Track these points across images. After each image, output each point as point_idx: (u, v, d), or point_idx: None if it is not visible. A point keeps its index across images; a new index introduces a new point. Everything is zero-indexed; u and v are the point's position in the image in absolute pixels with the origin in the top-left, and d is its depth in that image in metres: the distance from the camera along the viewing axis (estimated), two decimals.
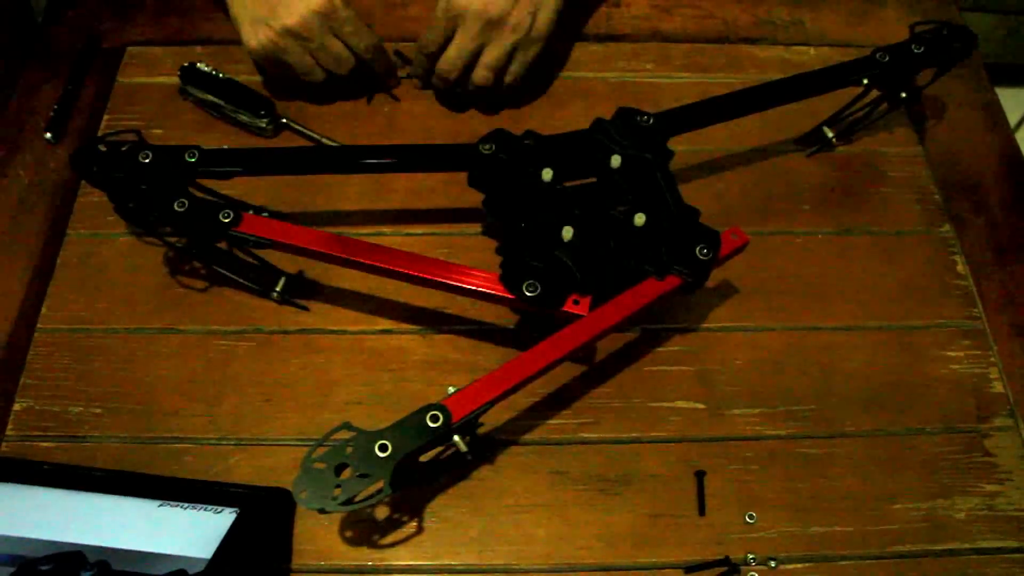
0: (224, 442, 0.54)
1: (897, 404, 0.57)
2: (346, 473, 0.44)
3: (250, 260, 0.58)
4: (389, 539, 0.51)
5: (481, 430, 0.51)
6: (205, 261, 0.59)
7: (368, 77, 0.68)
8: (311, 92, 0.68)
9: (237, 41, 0.64)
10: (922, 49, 0.61)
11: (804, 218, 0.65)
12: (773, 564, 0.51)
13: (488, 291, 0.51)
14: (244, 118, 0.66)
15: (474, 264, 0.52)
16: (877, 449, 0.55)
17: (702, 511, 0.53)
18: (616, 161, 0.55)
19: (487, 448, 0.54)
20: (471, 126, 0.68)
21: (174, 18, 0.74)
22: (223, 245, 0.56)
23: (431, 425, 0.45)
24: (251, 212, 0.53)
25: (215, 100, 0.66)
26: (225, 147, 0.59)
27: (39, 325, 0.58)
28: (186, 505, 0.48)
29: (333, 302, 0.60)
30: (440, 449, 0.52)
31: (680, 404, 0.56)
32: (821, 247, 0.64)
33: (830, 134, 0.68)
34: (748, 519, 0.52)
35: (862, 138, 0.69)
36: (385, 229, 0.63)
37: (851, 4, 0.78)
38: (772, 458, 0.55)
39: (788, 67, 0.73)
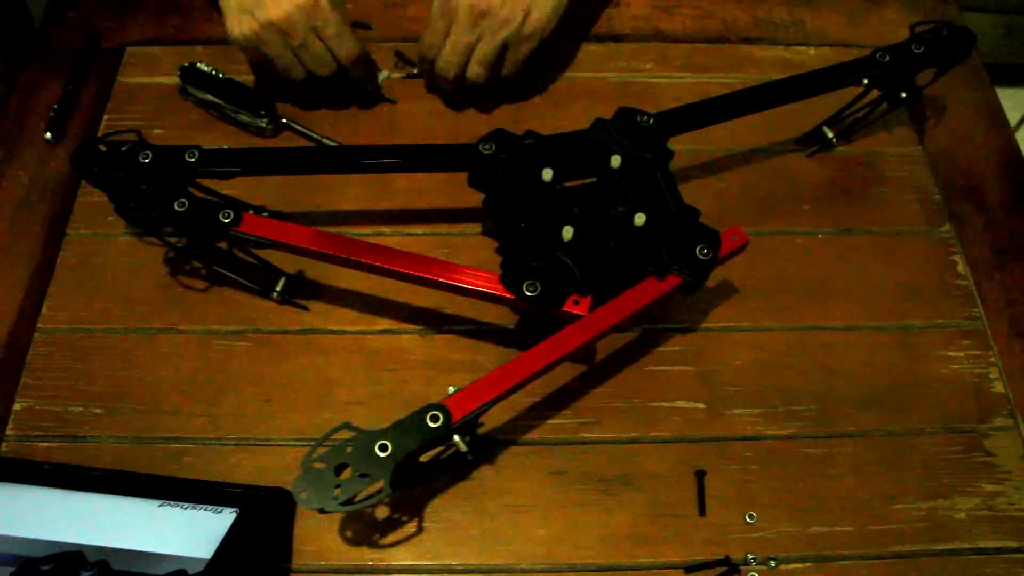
0: (224, 442, 0.54)
1: (897, 404, 0.57)
2: (346, 473, 0.44)
3: (250, 260, 0.58)
4: (389, 539, 0.52)
5: (481, 430, 0.51)
6: (205, 261, 0.59)
7: (350, 84, 0.67)
8: (311, 92, 0.68)
9: None
10: (922, 49, 0.61)
11: (804, 218, 0.65)
12: (773, 564, 0.51)
13: (488, 291, 0.51)
14: (244, 118, 0.66)
15: (474, 264, 0.52)
16: (877, 449, 0.55)
17: (702, 511, 0.53)
18: (616, 161, 0.55)
19: (487, 448, 0.54)
20: (471, 126, 0.68)
21: (174, 18, 0.74)
22: (223, 245, 0.56)
23: (431, 425, 0.45)
24: (251, 212, 0.53)
25: (215, 100, 0.66)
26: (225, 147, 0.59)
27: (39, 325, 0.58)
28: (186, 505, 0.48)
29: (333, 302, 0.60)
30: (440, 449, 0.52)
31: (680, 404, 0.57)
32: (821, 247, 0.64)
33: (830, 134, 0.68)
34: (748, 519, 0.52)
35: (862, 138, 0.69)
36: (385, 229, 0.63)
37: (851, 4, 0.78)
38: (772, 458, 0.55)
39: (788, 67, 0.73)
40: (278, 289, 0.59)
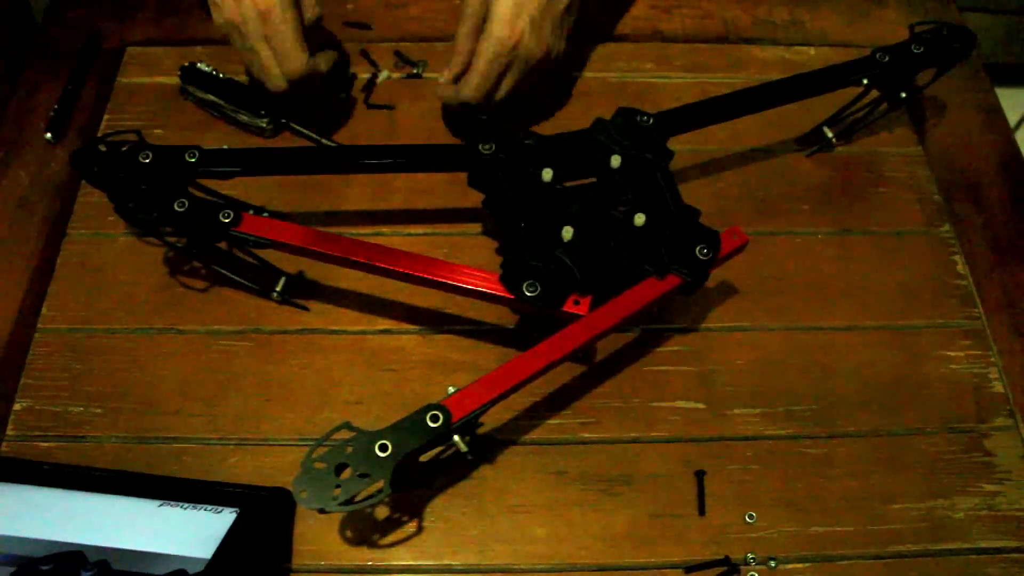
0: (224, 442, 0.54)
1: (897, 404, 0.57)
2: (346, 473, 0.44)
3: (250, 260, 0.58)
4: (389, 539, 0.52)
5: (481, 430, 0.51)
6: (205, 261, 0.59)
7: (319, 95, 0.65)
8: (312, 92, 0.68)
9: None
10: (922, 49, 0.61)
11: (804, 218, 0.65)
12: (773, 564, 0.51)
13: (488, 291, 0.51)
14: (244, 118, 0.66)
15: (474, 264, 0.52)
16: (877, 449, 0.55)
17: (702, 511, 0.53)
18: (616, 161, 0.55)
19: (487, 448, 0.54)
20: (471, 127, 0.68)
21: (174, 18, 0.74)
22: (223, 245, 0.56)
23: (431, 425, 0.45)
24: (251, 212, 0.53)
25: (215, 100, 0.66)
26: (225, 147, 0.59)
27: (39, 325, 0.58)
28: (186, 505, 0.48)
29: (333, 302, 0.60)
30: (440, 449, 0.52)
31: (680, 404, 0.57)
32: (821, 247, 0.64)
33: (830, 134, 0.68)
34: (748, 519, 0.52)
35: (862, 138, 0.69)
36: (385, 229, 0.63)
37: (851, 4, 0.78)
38: (772, 458, 0.55)
39: (788, 67, 0.73)
40: (278, 289, 0.59)
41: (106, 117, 0.68)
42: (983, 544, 0.52)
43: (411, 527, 0.52)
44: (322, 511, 0.43)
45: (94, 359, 0.57)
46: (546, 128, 0.58)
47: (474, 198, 0.57)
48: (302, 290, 0.60)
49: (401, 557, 0.51)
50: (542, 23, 0.60)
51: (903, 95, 0.63)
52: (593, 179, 0.57)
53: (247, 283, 0.59)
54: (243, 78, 0.68)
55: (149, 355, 0.57)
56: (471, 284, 0.51)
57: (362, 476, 0.44)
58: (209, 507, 0.48)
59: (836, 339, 0.59)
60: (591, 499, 0.53)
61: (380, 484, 0.44)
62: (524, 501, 0.53)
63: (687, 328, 0.60)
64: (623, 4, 0.77)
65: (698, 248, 0.51)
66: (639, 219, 0.53)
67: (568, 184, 0.56)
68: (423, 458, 0.49)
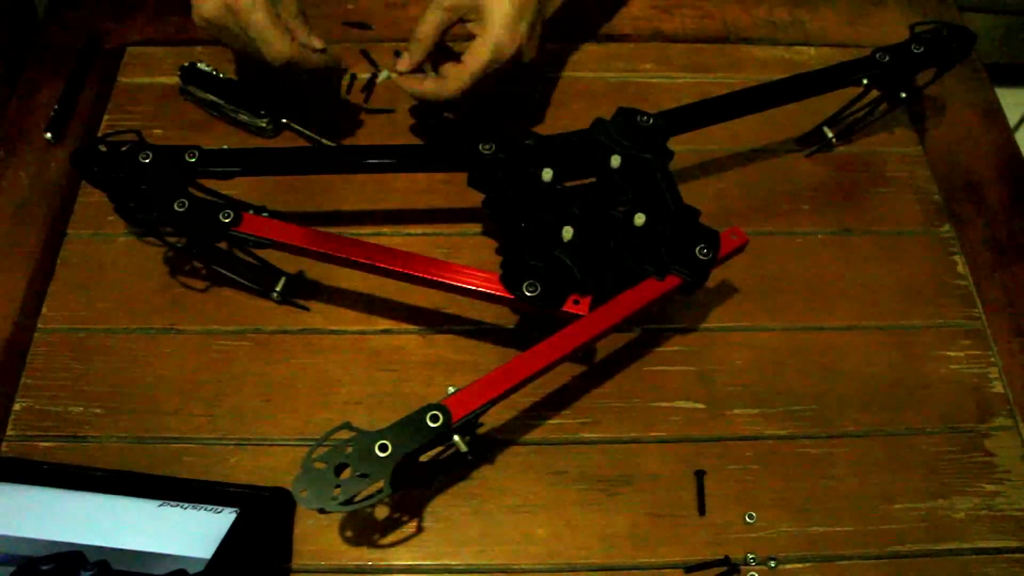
0: (224, 442, 0.54)
1: (897, 404, 0.57)
2: (346, 473, 0.44)
3: (250, 260, 0.58)
4: (389, 539, 0.52)
5: (481, 430, 0.51)
6: (205, 261, 0.59)
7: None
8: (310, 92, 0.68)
9: None
10: (922, 49, 0.61)
11: (804, 218, 0.65)
12: (773, 564, 0.51)
13: (488, 291, 0.51)
14: (244, 118, 0.66)
15: (474, 264, 0.52)
16: (877, 449, 0.55)
17: (702, 511, 0.53)
18: (616, 161, 0.55)
19: (487, 448, 0.54)
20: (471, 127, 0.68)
21: (174, 18, 0.74)
22: (223, 245, 0.56)
23: (431, 425, 0.45)
24: (251, 212, 0.53)
25: (215, 100, 0.66)
26: (225, 147, 0.59)
27: (39, 325, 0.58)
28: (186, 505, 0.48)
29: (333, 302, 0.60)
30: (440, 449, 0.52)
31: (680, 404, 0.57)
32: (821, 247, 0.64)
33: (830, 134, 0.68)
34: (748, 519, 0.52)
35: (862, 138, 0.69)
36: (385, 229, 0.63)
37: (851, 4, 0.78)
38: (772, 458, 0.55)
39: (788, 67, 0.73)
40: (278, 289, 0.59)
41: (106, 117, 0.68)
42: (983, 544, 0.52)
43: (411, 527, 0.52)
44: (322, 511, 0.43)
45: (94, 359, 0.57)
46: (546, 128, 0.58)
47: (474, 198, 0.57)
48: (302, 290, 0.60)
49: (401, 557, 0.51)
50: (536, 28, 0.60)
51: (903, 95, 0.63)
52: (593, 179, 0.57)
53: (247, 283, 0.59)
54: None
55: (149, 355, 0.57)
56: (471, 284, 0.51)
57: (362, 476, 0.44)
58: (209, 507, 0.48)
59: (836, 339, 0.59)
60: (591, 499, 0.53)
61: (380, 484, 0.44)
62: (524, 501, 0.53)
63: (687, 328, 0.60)
64: (623, 4, 0.77)
65: (698, 248, 0.51)
66: (639, 219, 0.53)
67: (568, 184, 0.56)
68: (423, 458, 0.49)
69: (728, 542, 0.52)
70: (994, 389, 0.58)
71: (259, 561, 0.48)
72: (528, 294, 0.50)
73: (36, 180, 0.65)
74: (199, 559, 0.44)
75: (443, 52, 0.63)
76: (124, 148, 0.55)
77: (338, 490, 0.44)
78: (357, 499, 0.44)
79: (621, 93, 0.71)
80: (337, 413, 0.55)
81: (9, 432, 0.54)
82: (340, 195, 0.64)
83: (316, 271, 0.60)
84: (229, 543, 0.45)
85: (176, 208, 0.52)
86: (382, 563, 0.51)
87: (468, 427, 0.47)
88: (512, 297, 0.51)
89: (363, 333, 0.59)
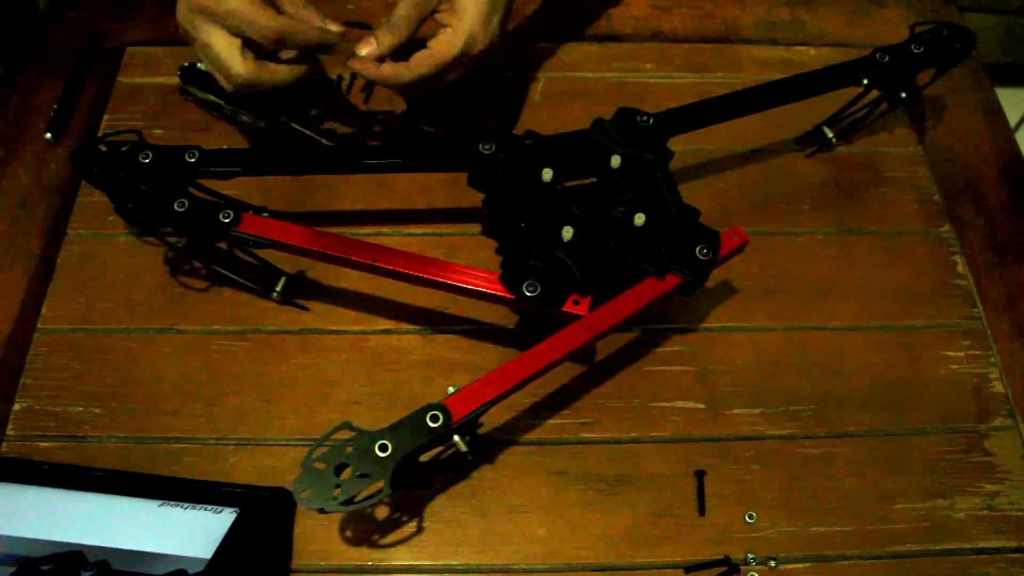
0: (224, 442, 0.54)
1: (897, 404, 0.57)
2: (346, 473, 0.44)
3: (250, 260, 0.58)
4: (389, 539, 0.52)
5: (481, 430, 0.51)
6: (205, 261, 0.59)
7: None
8: (310, 92, 0.68)
9: None
10: (922, 49, 0.61)
11: (804, 218, 0.65)
12: (773, 564, 0.51)
13: (488, 291, 0.51)
14: (244, 118, 0.66)
15: (474, 264, 0.52)
16: (877, 449, 0.55)
17: (702, 511, 0.53)
18: (616, 161, 0.55)
19: (487, 448, 0.54)
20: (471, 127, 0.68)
21: (174, 18, 0.74)
22: (223, 245, 0.56)
23: (431, 425, 0.45)
24: (251, 212, 0.53)
25: (215, 100, 0.66)
26: (225, 147, 0.59)
27: (39, 325, 0.58)
28: (186, 505, 0.48)
29: (333, 302, 0.60)
30: (440, 449, 0.52)
31: (680, 404, 0.57)
32: (821, 247, 0.64)
33: (830, 134, 0.68)
34: (748, 519, 0.52)
35: (862, 138, 0.69)
36: (385, 229, 0.63)
37: (851, 4, 0.78)
38: (772, 458, 0.55)
39: (788, 67, 0.73)
40: (278, 289, 0.59)
41: (106, 117, 0.68)
42: (983, 544, 0.52)
43: (411, 527, 0.52)
44: (322, 511, 0.43)
45: (94, 359, 0.57)
46: (546, 128, 0.58)
47: (474, 198, 0.57)
48: (302, 290, 0.60)
49: (401, 557, 0.51)
50: (505, 22, 0.59)
51: (903, 95, 0.63)
52: (593, 179, 0.57)
53: (247, 283, 0.59)
54: None
55: (149, 355, 0.57)
56: (471, 284, 0.51)
57: (362, 476, 0.44)
58: (209, 507, 0.48)
59: (836, 339, 0.59)
60: (591, 499, 0.53)
61: (380, 484, 0.44)
62: (524, 501, 0.53)
63: (687, 328, 0.59)
64: (623, 4, 0.77)
65: (698, 248, 0.51)
66: (639, 219, 0.53)
67: (568, 184, 0.56)
68: (423, 458, 0.49)
69: (728, 542, 0.52)
70: (994, 389, 0.58)
71: (259, 561, 0.48)
72: (528, 294, 0.50)
73: (36, 180, 0.65)
74: (199, 559, 0.44)
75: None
76: (124, 148, 0.55)
77: (338, 490, 0.44)
78: (357, 499, 0.44)
79: (621, 93, 0.71)
80: (337, 413, 0.55)
81: (9, 432, 0.54)
82: (340, 195, 0.64)
83: (316, 271, 0.60)
84: (229, 543, 0.45)
85: (176, 208, 0.52)
86: (382, 563, 0.51)
87: (468, 427, 0.47)
88: (512, 297, 0.51)
89: (363, 333, 0.59)
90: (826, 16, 0.77)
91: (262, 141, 0.67)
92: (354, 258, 0.52)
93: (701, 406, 0.56)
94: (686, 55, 0.74)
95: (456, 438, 0.46)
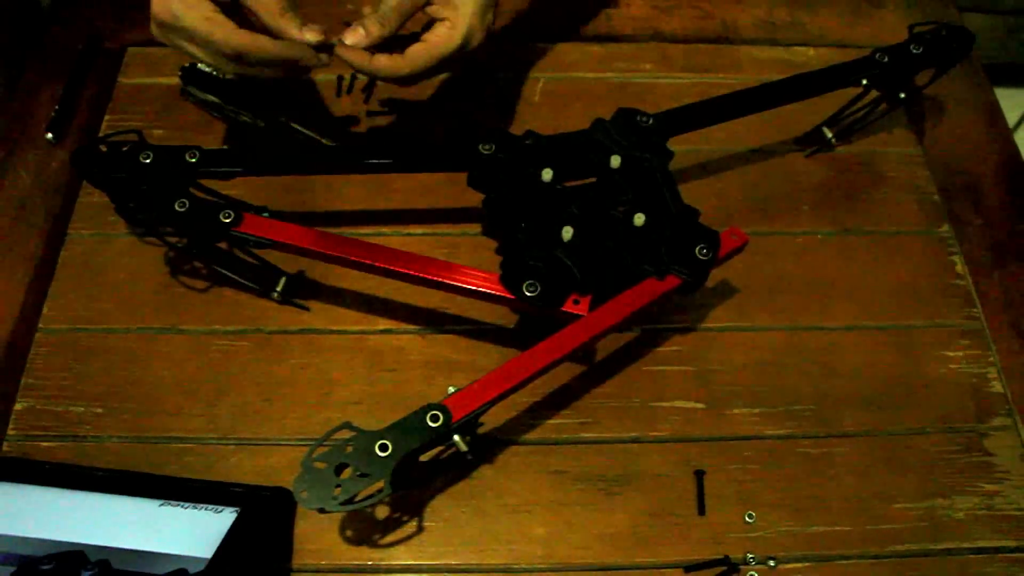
0: (224, 442, 0.54)
1: (896, 404, 0.57)
2: (346, 473, 0.44)
3: (250, 260, 0.58)
4: (389, 539, 0.52)
5: (481, 430, 0.51)
6: (205, 261, 0.59)
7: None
8: (310, 92, 0.68)
9: None
10: (921, 49, 0.61)
11: (804, 218, 0.65)
12: (772, 564, 0.51)
13: (488, 291, 0.51)
14: (244, 118, 0.66)
15: (474, 264, 0.52)
16: (876, 449, 0.55)
17: (702, 511, 0.53)
18: (616, 161, 0.55)
19: (487, 448, 0.54)
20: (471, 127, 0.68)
21: None
22: (223, 245, 0.56)
23: (431, 425, 0.45)
24: (251, 212, 0.54)
25: (215, 100, 0.66)
26: (225, 147, 0.59)
27: (39, 325, 0.58)
28: (187, 505, 0.48)
29: (333, 302, 0.60)
30: (440, 449, 0.52)
31: (680, 404, 0.57)
32: (821, 247, 0.64)
33: (829, 134, 0.68)
34: (748, 519, 0.53)
35: (861, 138, 0.69)
36: (385, 229, 0.63)
37: (850, 4, 0.78)
38: (772, 458, 0.55)
39: (788, 67, 0.73)
40: (278, 289, 0.59)
41: (107, 117, 0.68)
42: (982, 543, 0.52)
43: (411, 527, 0.52)
44: (322, 511, 0.44)
45: (94, 359, 0.57)
46: (546, 128, 0.58)
47: (474, 198, 0.57)
48: (302, 290, 0.60)
49: (401, 557, 0.51)
50: (495, 17, 0.58)
51: (902, 95, 0.63)
52: (593, 179, 0.57)
53: (247, 283, 0.59)
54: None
55: (149, 355, 0.57)
56: (471, 284, 0.51)
57: (362, 476, 0.44)
58: (210, 507, 0.48)
59: (836, 339, 0.60)
60: (591, 499, 0.53)
61: (380, 484, 0.44)
62: (524, 501, 0.53)
63: (687, 328, 0.60)
64: (623, 4, 0.77)
65: (698, 248, 0.52)
66: (639, 219, 0.53)
67: (568, 184, 0.56)
68: (423, 458, 0.49)
69: (728, 542, 0.52)
70: (993, 389, 0.58)
71: (259, 561, 0.49)
72: (528, 294, 0.50)
73: (37, 180, 0.65)
74: (199, 559, 0.44)
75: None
76: (125, 148, 0.55)
77: (338, 490, 0.44)
78: (357, 499, 0.44)
79: (621, 93, 0.71)
80: (337, 413, 0.55)
81: (10, 432, 0.54)
82: (340, 195, 0.64)
83: (316, 271, 0.60)
84: (229, 543, 0.45)
85: (177, 208, 0.52)
86: (382, 563, 0.51)
87: (468, 427, 0.47)
88: (512, 297, 0.51)
89: (363, 333, 0.59)
90: (825, 16, 0.77)
91: (262, 141, 0.67)
92: (354, 258, 0.52)
93: (701, 406, 0.57)
94: (686, 55, 0.74)
95: (456, 438, 0.46)
